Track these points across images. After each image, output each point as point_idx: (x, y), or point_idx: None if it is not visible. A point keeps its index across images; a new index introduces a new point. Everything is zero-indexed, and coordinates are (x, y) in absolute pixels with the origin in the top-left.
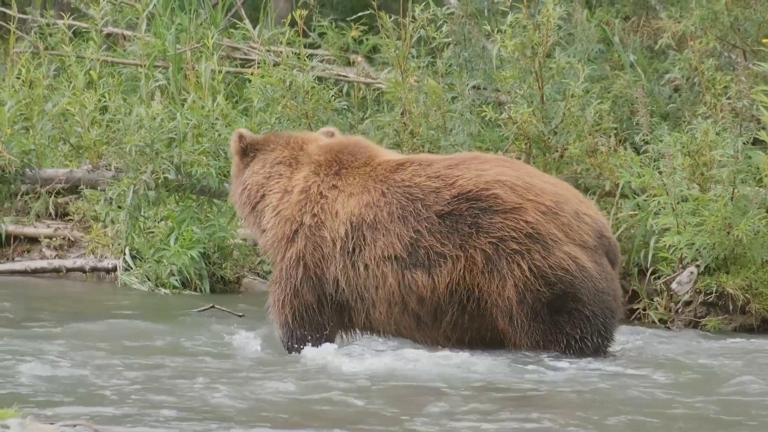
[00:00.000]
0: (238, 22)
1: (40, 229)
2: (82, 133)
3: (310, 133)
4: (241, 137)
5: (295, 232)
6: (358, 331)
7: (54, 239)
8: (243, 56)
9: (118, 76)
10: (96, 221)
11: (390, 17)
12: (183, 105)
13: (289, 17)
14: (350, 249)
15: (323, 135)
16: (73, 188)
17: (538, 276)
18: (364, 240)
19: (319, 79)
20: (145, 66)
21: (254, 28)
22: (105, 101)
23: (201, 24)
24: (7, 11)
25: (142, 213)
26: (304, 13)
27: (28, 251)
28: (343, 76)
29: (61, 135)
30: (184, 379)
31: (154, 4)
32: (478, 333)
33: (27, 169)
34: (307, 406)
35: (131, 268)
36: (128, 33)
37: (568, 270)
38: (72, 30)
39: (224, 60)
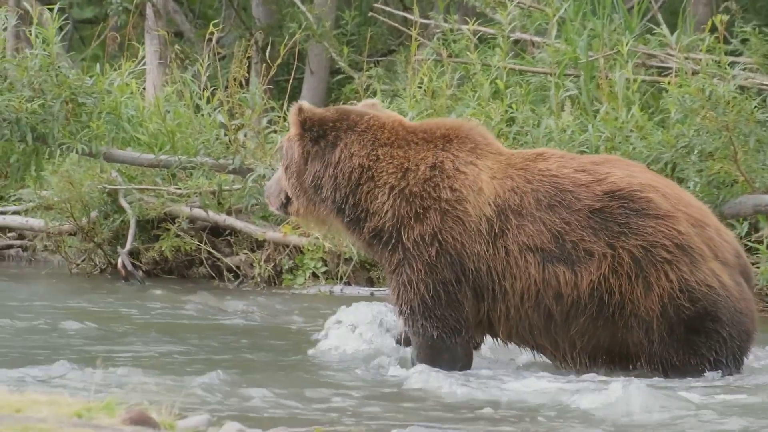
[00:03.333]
0: (654, 27)
1: None
2: None
3: (370, 109)
4: (301, 110)
5: (427, 208)
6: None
7: None
8: (659, 64)
9: (526, 86)
10: None
11: None
12: (595, 116)
13: (709, 23)
14: (496, 231)
15: (368, 107)
16: None
17: (685, 290)
18: (509, 224)
19: (741, 88)
20: (554, 74)
21: (671, 33)
22: (512, 112)
23: (615, 30)
24: (409, 16)
25: None
26: (725, 18)
27: None
28: (767, 85)
29: None
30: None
31: (565, 9)
32: (605, 343)
33: None
34: None
35: None
36: (537, 39)
37: (712, 287)
38: (477, 36)
39: (639, 68)
